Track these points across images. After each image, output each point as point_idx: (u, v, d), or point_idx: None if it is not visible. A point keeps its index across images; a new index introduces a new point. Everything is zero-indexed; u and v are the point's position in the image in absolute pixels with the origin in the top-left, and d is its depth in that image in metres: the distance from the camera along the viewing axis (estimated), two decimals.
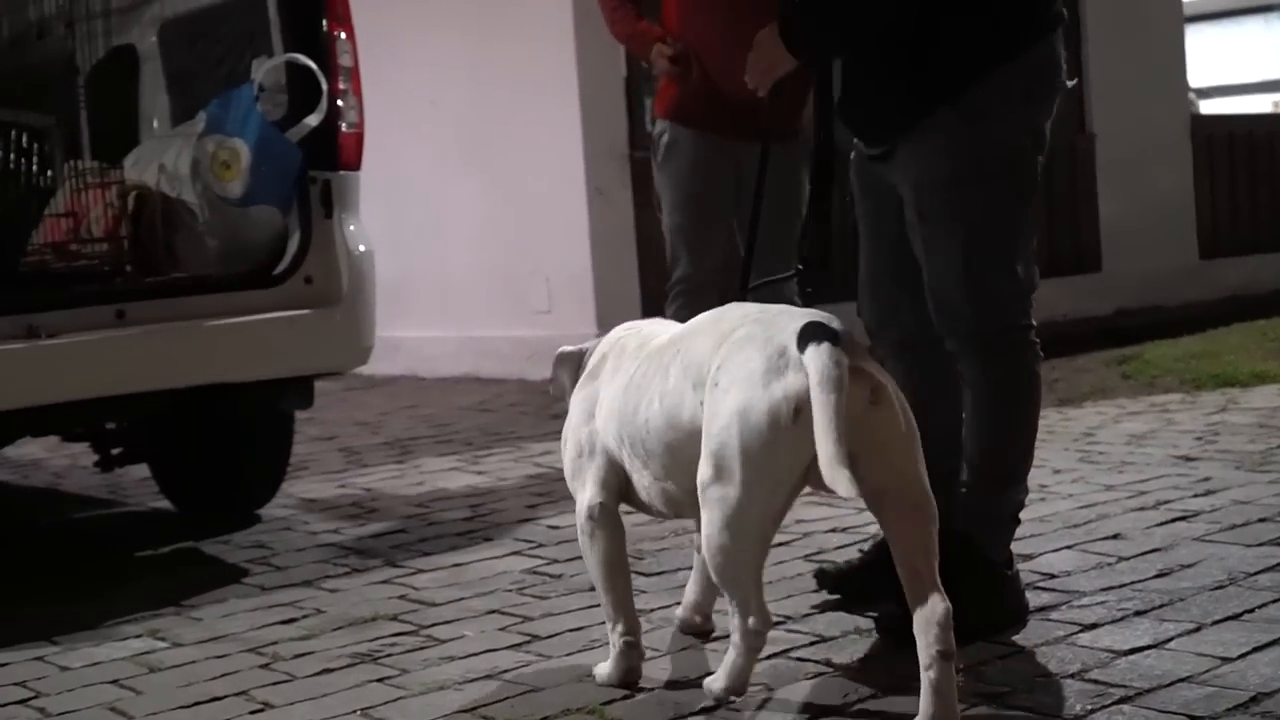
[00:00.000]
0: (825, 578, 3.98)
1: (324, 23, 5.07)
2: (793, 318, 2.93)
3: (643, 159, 8.95)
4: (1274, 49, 13.73)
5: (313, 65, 4.94)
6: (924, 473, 2.94)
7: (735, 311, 3.13)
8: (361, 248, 5.10)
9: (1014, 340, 3.68)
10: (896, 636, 3.18)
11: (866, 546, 4.10)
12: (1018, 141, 3.63)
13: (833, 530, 4.73)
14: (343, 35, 5.11)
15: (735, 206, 6.20)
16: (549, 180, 9.25)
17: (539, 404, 8.23)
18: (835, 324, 2.86)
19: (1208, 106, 13.72)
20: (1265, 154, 12.42)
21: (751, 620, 2.94)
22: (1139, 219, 11.17)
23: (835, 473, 2.67)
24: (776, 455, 2.85)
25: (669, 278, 6.27)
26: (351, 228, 5.09)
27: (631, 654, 3.34)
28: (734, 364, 2.92)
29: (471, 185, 9.75)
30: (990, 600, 3.58)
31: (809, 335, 2.82)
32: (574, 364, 3.71)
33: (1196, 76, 13.28)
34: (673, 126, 6.18)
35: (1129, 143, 11.17)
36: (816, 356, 2.77)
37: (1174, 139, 11.68)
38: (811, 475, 2.82)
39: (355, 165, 5.17)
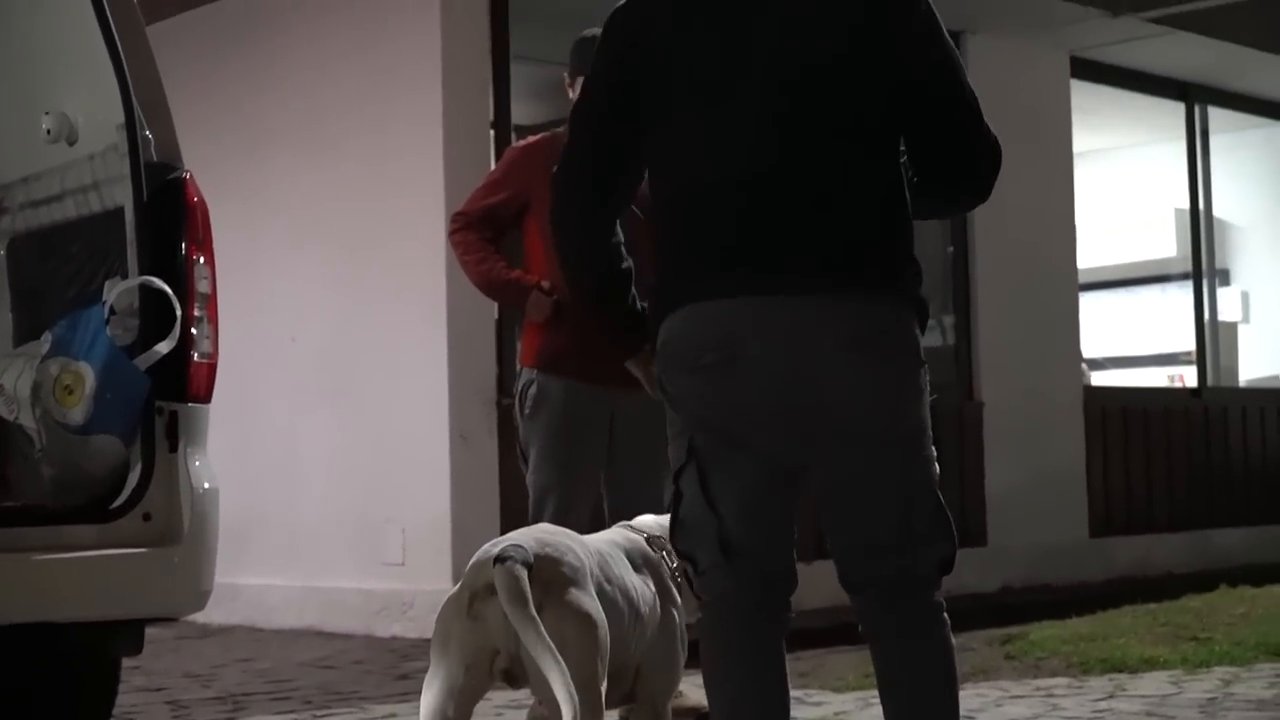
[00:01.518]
0: None
1: (183, 245, 5.09)
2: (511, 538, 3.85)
3: (510, 405, 9.03)
4: (1170, 320, 14.06)
5: (167, 289, 4.95)
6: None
7: None
8: (206, 485, 5.06)
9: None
10: None
11: None
12: None
13: None
14: (201, 260, 5.13)
15: (604, 458, 6.25)
16: (411, 422, 9.27)
17: (386, 662, 8.15)
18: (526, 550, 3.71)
19: (1101, 378, 13.99)
20: (1160, 429, 12.68)
21: None
22: (1028, 492, 11.33)
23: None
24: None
25: None
26: (197, 463, 5.06)
27: None
28: None
29: (328, 424, 9.74)
30: None
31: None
32: None
33: (1090, 346, 13.59)
34: (541, 375, 6.25)
35: (1019, 412, 11.37)
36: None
37: (1066, 410, 11.91)
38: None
39: (205, 397, 5.15)
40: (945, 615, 3.69)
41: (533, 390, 6.27)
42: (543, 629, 3.61)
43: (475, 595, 3.71)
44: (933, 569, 3.68)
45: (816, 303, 3.62)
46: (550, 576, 3.76)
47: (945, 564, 3.68)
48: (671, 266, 3.78)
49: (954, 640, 3.69)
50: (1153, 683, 7.23)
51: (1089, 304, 13.00)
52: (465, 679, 3.72)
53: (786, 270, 3.64)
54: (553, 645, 3.67)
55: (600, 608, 3.84)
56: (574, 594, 3.79)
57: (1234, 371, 14.46)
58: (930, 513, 3.67)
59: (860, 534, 3.69)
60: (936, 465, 3.72)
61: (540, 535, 3.96)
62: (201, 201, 5.14)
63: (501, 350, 9.17)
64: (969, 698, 6.84)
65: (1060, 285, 12.07)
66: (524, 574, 3.66)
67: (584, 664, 3.74)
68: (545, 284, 6.22)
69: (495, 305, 8.69)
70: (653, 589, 4.20)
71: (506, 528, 8.68)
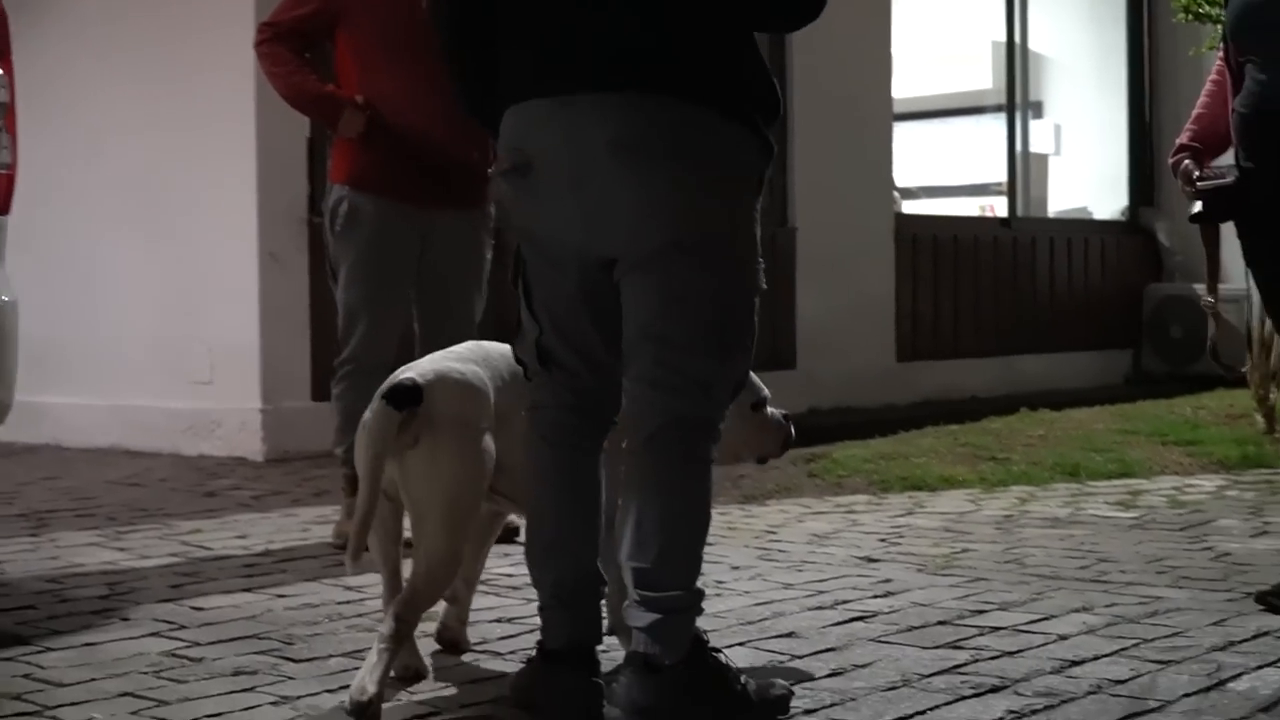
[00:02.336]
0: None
1: None
2: (414, 367, 3.93)
3: (322, 224, 8.96)
4: (983, 151, 14.22)
5: None
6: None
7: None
8: (5, 297, 5.00)
9: None
10: None
11: None
12: None
13: (497, 620, 4.76)
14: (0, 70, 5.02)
15: (414, 278, 6.23)
16: (219, 241, 9.16)
17: (193, 480, 8.13)
18: (422, 380, 3.78)
19: (914, 207, 14.14)
20: (969, 258, 12.87)
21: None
22: (838, 317, 11.47)
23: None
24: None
25: (339, 353, 6.27)
26: None
27: None
28: None
29: (135, 242, 9.60)
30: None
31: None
32: None
33: (904, 176, 13.71)
34: (353, 193, 6.18)
35: (831, 239, 11.47)
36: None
37: (878, 237, 12.04)
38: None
39: (3, 209, 5.07)
40: (711, 436, 3.68)
41: (344, 207, 6.20)
42: (373, 482, 3.70)
43: (365, 424, 3.80)
44: (709, 384, 3.65)
45: (590, 103, 3.58)
46: (435, 411, 3.76)
47: (702, 382, 3.64)
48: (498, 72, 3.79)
49: (699, 453, 3.64)
50: (951, 500, 7.42)
51: (904, 134, 13.08)
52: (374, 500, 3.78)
53: (566, 71, 3.62)
54: (367, 505, 3.72)
55: (475, 450, 3.81)
56: (444, 435, 3.78)
57: (1043, 203, 14.66)
58: (711, 325, 3.62)
59: (640, 336, 3.64)
60: (744, 278, 3.66)
61: (446, 365, 3.92)
62: (1, 9, 5.03)
63: (313, 168, 9.06)
64: (771, 513, 6.99)
65: (875, 115, 12.14)
66: (391, 415, 3.71)
67: (430, 514, 3.77)
68: (359, 99, 6.15)
69: (307, 121, 8.59)
70: None
71: (316, 347, 8.73)
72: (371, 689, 3.59)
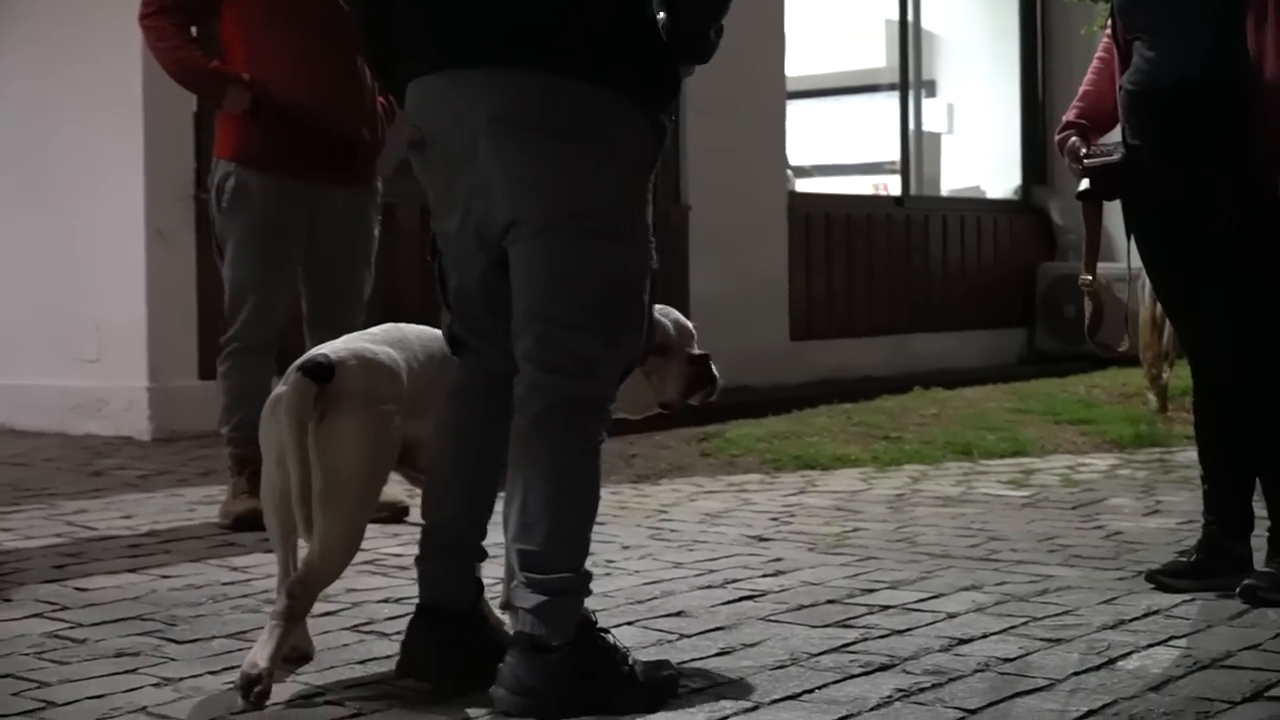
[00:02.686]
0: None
1: None
2: (329, 345, 3.89)
3: (210, 200, 8.87)
4: (877, 129, 14.26)
5: None
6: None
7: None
8: None
9: None
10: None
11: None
12: None
13: (385, 600, 4.73)
14: None
15: (302, 257, 6.19)
16: (105, 218, 9.03)
17: (79, 459, 8.04)
18: (335, 358, 3.76)
19: (808, 185, 14.18)
20: (862, 236, 12.89)
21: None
22: (731, 296, 11.45)
23: None
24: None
25: (225, 332, 6.22)
26: None
27: None
28: None
29: (18, 219, 9.47)
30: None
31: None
32: None
33: (798, 154, 13.74)
34: (240, 169, 6.12)
35: (724, 217, 11.46)
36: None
37: (771, 216, 12.04)
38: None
39: None
40: (599, 416, 3.66)
41: (230, 184, 6.14)
42: (300, 451, 3.71)
43: (278, 398, 3.79)
44: (595, 363, 3.63)
45: (479, 79, 3.58)
46: (344, 388, 3.75)
47: (587, 361, 3.62)
48: None
49: (587, 433, 3.64)
50: (843, 479, 7.44)
51: (797, 112, 13.11)
52: (278, 475, 3.78)
53: (457, 46, 3.61)
54: (298, 476, 3.74)
55: (380, 430, 3.79)
56: (350, 413, 3.76)
57: (937, 181, 14.73)
58: (596, 305, 3.60)
59: (527, 315, 3.63)
60: (631, 258, 3.64)
61: (359, 345, 3.91)
62: None
63: (200, 143, 8.93)
64: (664, 492, 6.98)
65: (768, 93, 12.13)
66: (309, 387, 3.71)
67: (331, 492, 3.73)
68: (245, 76, 6.08)
69: (194, 96, 8.49)
70: None
71: (204, 325, 8.64)
72: (262, 664, 3.59)
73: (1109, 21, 5.11)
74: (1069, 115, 5.12)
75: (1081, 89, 5.18)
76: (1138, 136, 4.90)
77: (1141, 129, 4.89)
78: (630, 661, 3.65)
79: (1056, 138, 5.13)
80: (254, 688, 3.57)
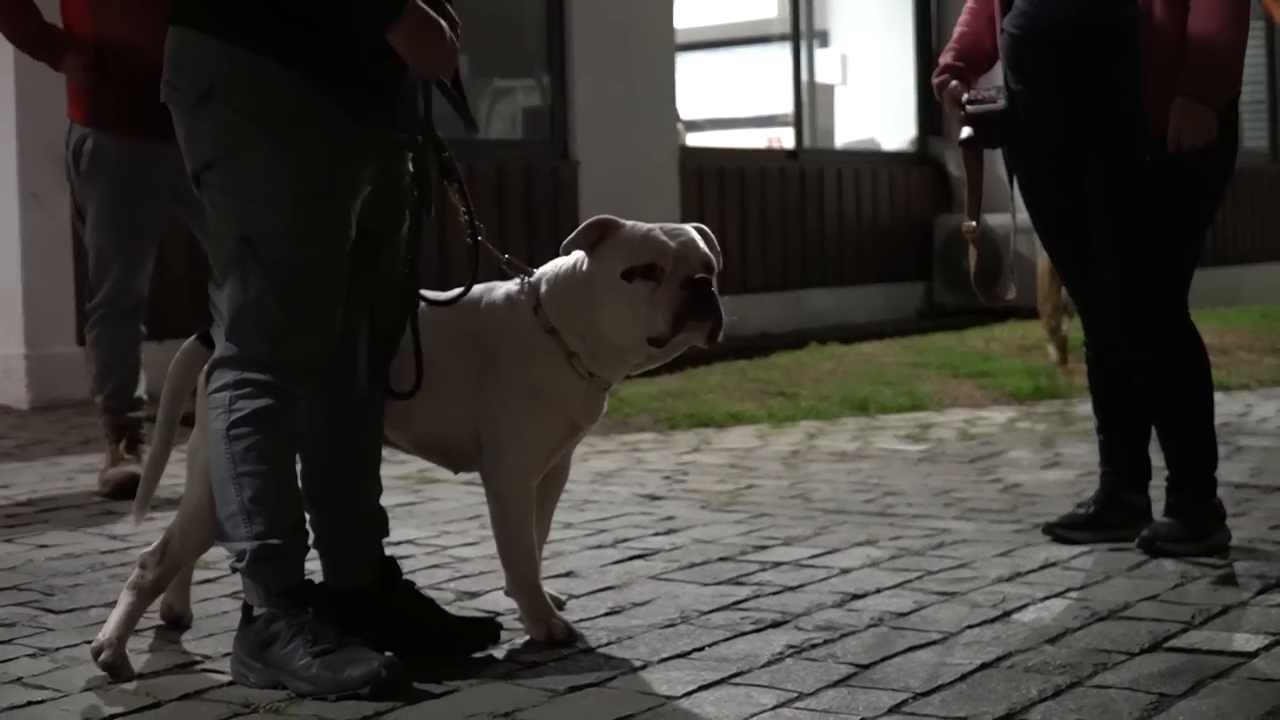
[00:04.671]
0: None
1: None
2: None
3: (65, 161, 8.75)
4: (769, 82, 14.25)
5: None
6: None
7: None
8: None
9: None
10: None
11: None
12: None
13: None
14: None
15: (189, 216, 6.12)
16: None
17: None
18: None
19: (701, 139, 14.18)
20: (756, 191, 12.88)
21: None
22: None
23: None
24: None
25: (92, 297, 6.16)
26: None
27: None
28: None
29: None
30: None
31: None
32: None
33: (690, 108, 13.73)
34: (96, 133, 6.07)
35: (615, 172, 11.43)
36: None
37: (661, 170, 12.00)
38: None
39: None
40: (225, 367, 3.59)
41: (88, 146, 6.09)
42: (168, 421, 3.82)
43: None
44: (226, 320, 3.59)
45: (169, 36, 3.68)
46: None
47: (230, 320, 3.57)
48: None
49: (241, 424, 3.54)
50: (739, 436, 7.46)
51: (688, 65, 13.09)
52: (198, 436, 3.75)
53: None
54: (157, 448, 3.83)
55: None
56: None
57: (831, 134, 14.73)
58: (217, 255, 3.64)
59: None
60: (260, 251, 3.54)
61: None
62: None
63: None
64: None
65: (657, 45, 12.09)
66: (198, 352, 3.75)
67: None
68: (86, 39, 6.03)
69: None
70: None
71: (81, 289, 8.49)
72: (108, 633, 3.62)
73: None
74: (945, 58, 5.10)
75: (957, 30, 5.14)
76: (1021, 81, 4.89)
77: (1026, 73, 4.88)
78: (325, 647, 3.46)
79: (934, 81, 5.09)
80: (98, 657, 3.58)
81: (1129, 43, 4.69)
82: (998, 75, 5.02)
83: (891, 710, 3.27)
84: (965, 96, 4.96)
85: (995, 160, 5.15)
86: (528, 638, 3.86)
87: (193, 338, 3.79)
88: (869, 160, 14.29)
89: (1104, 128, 4.77)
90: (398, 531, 4.56)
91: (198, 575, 4.17)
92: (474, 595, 4.35)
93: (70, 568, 4.74)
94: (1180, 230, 4.82)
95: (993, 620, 4.02)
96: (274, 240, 3.54)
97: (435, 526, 5.36)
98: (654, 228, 3.76)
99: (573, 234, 3.85)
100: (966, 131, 4.96)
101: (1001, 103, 4.89)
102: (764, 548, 4.92)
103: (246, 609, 3.55)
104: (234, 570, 3.58)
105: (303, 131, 3.54)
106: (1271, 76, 17.80)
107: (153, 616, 4.00)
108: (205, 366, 3.63)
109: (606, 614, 4.10)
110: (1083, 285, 5.06)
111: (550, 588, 4.37)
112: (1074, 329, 9.28)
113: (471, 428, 3.87)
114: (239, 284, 3.55)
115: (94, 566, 4.75)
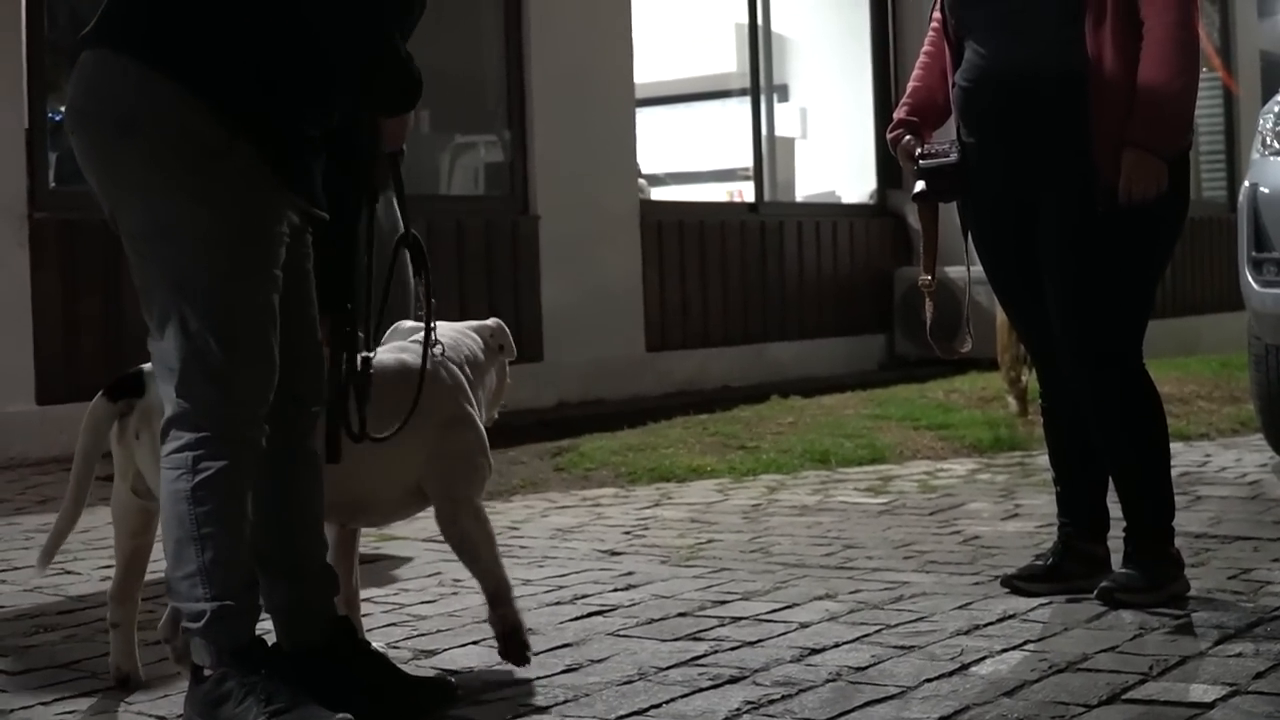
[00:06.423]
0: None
1: None
2: None
3: (44, 219, 8.72)
4: (730, 135, 14.28)
5: None
6: None
7: None
8: None
9: None
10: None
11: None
12: None
13: None
14: None
15: None
16: None
17: None
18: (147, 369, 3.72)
19: (662, 193, 14.20)
20: (716, 244, 12.88)
21: None
22: (584, 307, 11.43)
23: None
24: None
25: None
26: None
27: None
28: None
29: None
30: None
31: None
32: None
33: (651, 162, 13.77)
34: None
35: (575, 226, 11.43)
36: None
37: (622, 225, 12.00)
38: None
39: None
40: (201, 461, 3.48)
41: None
42: (80, 477, 3.85)
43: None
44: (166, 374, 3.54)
45: (84, 56, 3.56)
46: (151, 404, 3.73)
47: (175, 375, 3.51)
48: None
49: (204, 485, 3.48)
50: (699, 490, 7.44)
51: (648, 119, 13.11)
52: (122, 487, 3.90)
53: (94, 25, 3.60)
54: (69, 503, 3.84)
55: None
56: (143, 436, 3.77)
57: (791, 187, 14.78)
58: (150, 306, 3.55)
59: None
60: (192, 291, 3.48)
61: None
62: None
63: (32, 161, 8.82)
64: (516, 509, 6.95)
65: (616, 100, 12.10)
66: (105, 407, 3.78)
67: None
68: None
69: (25, 112, 8.41)
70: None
71: (40, 348, 8.49)
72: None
73: (938, 17, 5.12)
74: (899, 113, 5.13)
75: (910, 85, 5.18)
76: (973, 134, 4.92)
77: (977, 126, 4.91)
78: (279, 707, 3.42)
79: (889, 136, 5.12)
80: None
81: (1078, 93, 4.71)
82: (952, 129, 5.04)
83: None
84: (919, 151, 4.99)
85: (951, 213, 5.17)
86: (484, 694, 3.85)
87: (99, 395, 3.77)
88: (829, 213, 14.31)
89: (1055, 178, 4.79)
90: None
91: (147, 636, 4.13)
92: (431, 654, 4.33)
93: (24, 628, 4.71)
94: (1132, 280, 4.84)
95: (950, 674, 4.01)
96: (206, 281, 3.48)
97: (393, 584, 5.35)
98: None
99: None
100: (920, 185, 4.98)
101: (954, 156, 4.91)
102: (723, 603, 4.91)
103: (196, 670, 3.52)
104: (186, 630, 3.54)
105: (228, 169, 3.47)
106: (1229, 127, 17.92)
107: (103, 677, 3.99)
108: (162, 426, 3.56)
109: (564, 671, 4.08)
110: (1037, 336, 5.08)
111: None
112: (1033, 380, 9.28)
113: (412, 480, 4.03)
114: (178, 333, 3.49)
115: (48, 627, 4.71)
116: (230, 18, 3.48)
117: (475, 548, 4.05)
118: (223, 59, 3.46)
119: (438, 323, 3.99)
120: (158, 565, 3.96)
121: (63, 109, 3.73)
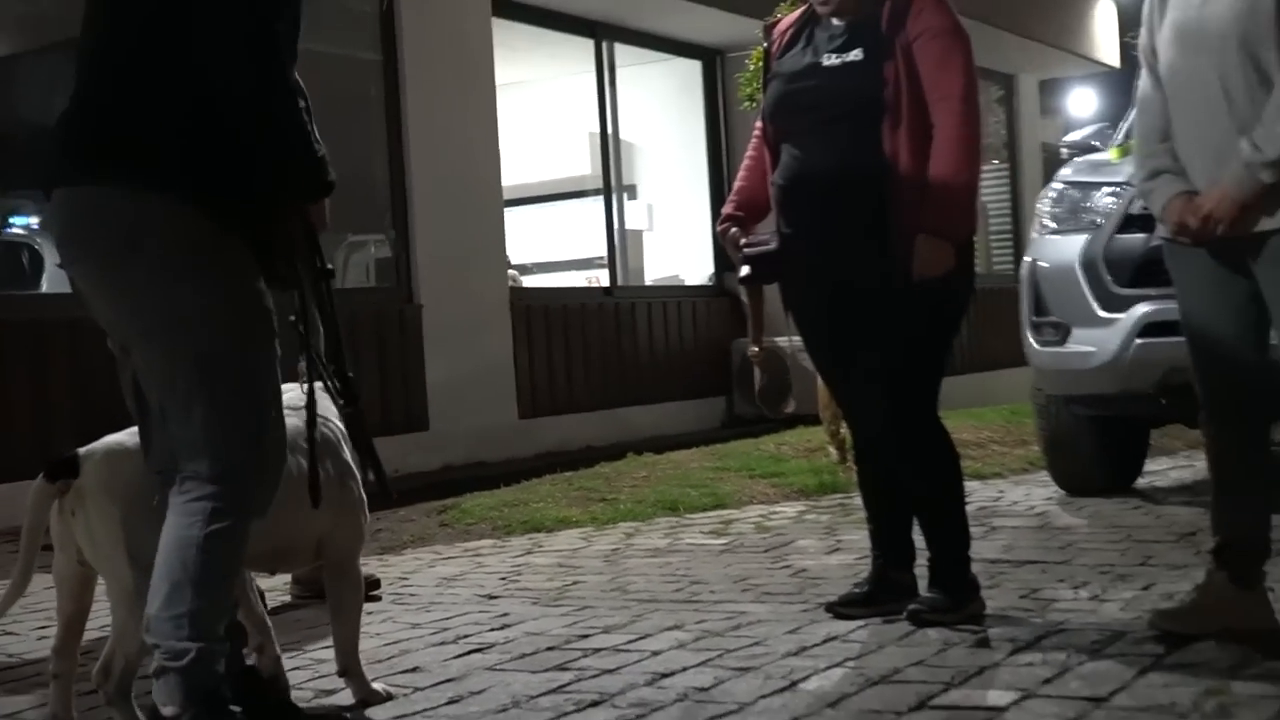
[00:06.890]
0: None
1: None
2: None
3: None
4: (586, 229, 14.34)
5: None
6: None
7: None
8: None
9: None
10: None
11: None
12: None
13: None
14: None
15: None
16: None
17: None
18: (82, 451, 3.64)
19: (530, 281, 14.23)
20: (578, 324, 12.92)
21: None
22: (464, 382, 11.40)
23: None
24: None
25: None
26: None
27: None
28: None
29: None
30: None
31: None
32: None
33: (519, 254, 13.79)
34: None
35: (454, 313, 11.41)
36: None
37: (495, 309, 11.99)
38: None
39: None
40: (219, 515, 3.44)
41: None
42: (26, 554, 3.70)
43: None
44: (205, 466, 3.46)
45: (67, 194, 3.51)
46: (86, 484, 3.63)
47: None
48: None
49: (216, 536, 3.44)
50: (566, 539, 7.43)
51: (516, 217, 13.12)
52: (61, 558, 3.76)
53: (62, 163, 3.54)
54: (16, 577, 3.70)
55: (133, 512, 3.60)
56: (94, 507, 3.63)
57: (640, 272, 14.86)
58: (195, 413, 3.46)
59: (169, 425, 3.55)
60: (218, 367, 3.46)
61: (118, 436, 3.76)
62: None
63: None
64: (406, 562, 6.90)
65: (487, 201, 12.10)
66: (43, 489, 3.64)
67: (107, 581, 3.69)
68: None
69: None
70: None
71: None
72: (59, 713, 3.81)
73: (759, 124, 5.20)
74: (727, 209, 5.21)
75: (736, 184, 5.26)
76: (789, 225, 4.98)
77: (793, 218, 4.97)
78: None
79: (718, 229, 5.19)
80: None
81: (878, 188, 4.78)
82: (773, 222, 5.09)
83: None
84: (743, 241, 5.05)
85: (776, 292, 5.22)
86: None
87: (39, 477, 3.68)
88: (674, 294, 14.38)
89: (859, 262, 4.85)
90: None
91: (82, 686, 4.05)
92: (330, 693, 4.28)
93: None
94: (927, 348, 4.90)
95: (782, 690, 4.03)
96: (227, 350, 3.47)
97: (298, 631, 5.29)
98: None
99: None
100: (745, 270, 5.04)
101: (774, 244, 4.97)
102: (586, 636, 4.91)
103: (154, 713, 3.43)
104: (162, 669, 3.41)
105: (227, 257, 3.47)
106: (1014, 210, 18.25)
107: None
108: (180, 477, 3.50)
109: (447, 703, 4.06)
110: (847, 397, 5.13)
111: (397, 682, 4.34)
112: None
113: (326, 529, 3.95)
114: (209, 405, 3.45)
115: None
116: (186, 135, 3.44)
117: (350, 609, 4.07)
118: (197, 169, 3.44)
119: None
120: (94, 623, 3.92)
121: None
